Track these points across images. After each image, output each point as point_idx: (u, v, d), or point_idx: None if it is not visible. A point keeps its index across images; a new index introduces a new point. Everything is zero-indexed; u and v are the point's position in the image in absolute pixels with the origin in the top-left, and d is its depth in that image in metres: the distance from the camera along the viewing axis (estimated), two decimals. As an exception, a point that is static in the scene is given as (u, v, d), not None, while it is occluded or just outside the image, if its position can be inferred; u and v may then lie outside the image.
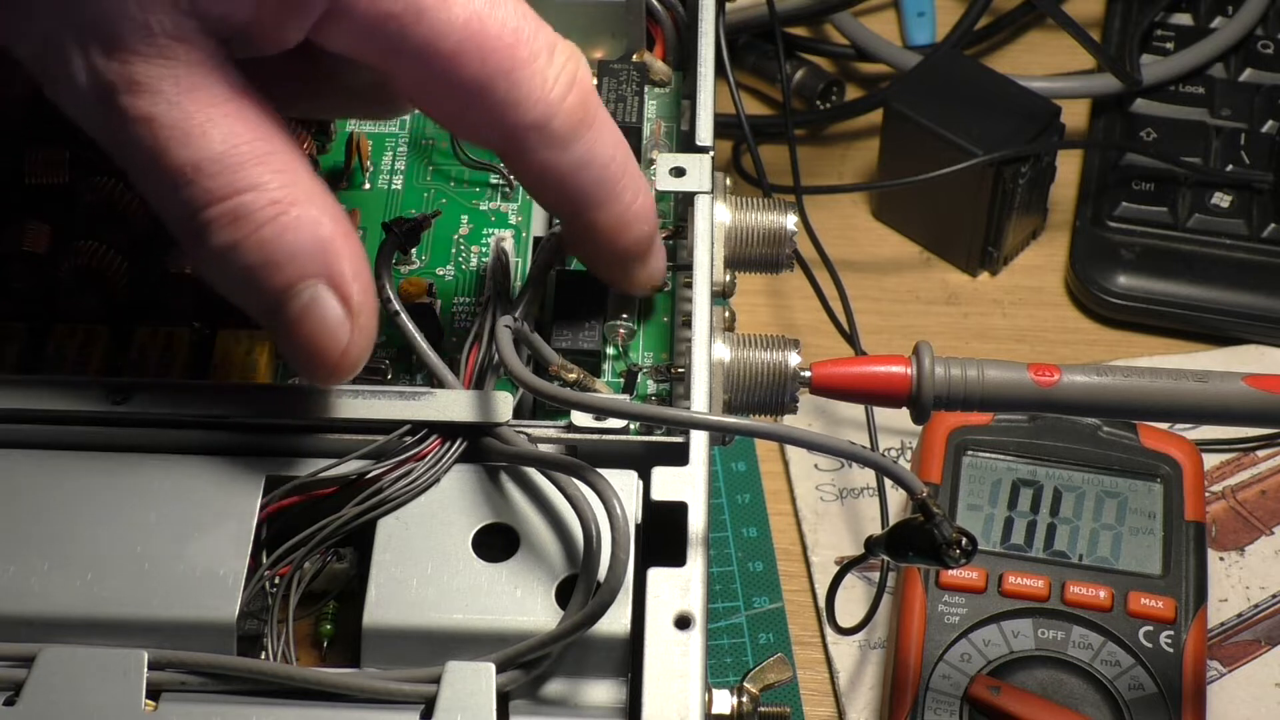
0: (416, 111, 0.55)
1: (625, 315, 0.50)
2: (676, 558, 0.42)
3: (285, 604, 0.43)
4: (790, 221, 0.52)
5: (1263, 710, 0.61)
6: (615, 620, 0.42)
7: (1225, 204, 0.74)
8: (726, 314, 0.50)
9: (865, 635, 0.63)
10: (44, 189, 0.52)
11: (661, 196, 0.54)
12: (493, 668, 0.41)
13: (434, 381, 0.47)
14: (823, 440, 0.45)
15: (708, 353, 0.46)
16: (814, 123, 0.81)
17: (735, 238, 0.51)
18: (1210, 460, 0.68)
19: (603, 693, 0.42)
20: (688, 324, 0.47)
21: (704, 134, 0.51)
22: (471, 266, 0.53)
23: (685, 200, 0.51)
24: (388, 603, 0.43)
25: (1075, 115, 0.78)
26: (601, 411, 0.45)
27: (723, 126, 0.59)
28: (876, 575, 0.63)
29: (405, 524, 0.44)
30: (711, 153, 0.51)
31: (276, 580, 0.44)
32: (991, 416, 0.65)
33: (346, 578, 0.45)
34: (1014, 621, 0.60)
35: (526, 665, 0.41)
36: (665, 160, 0.51)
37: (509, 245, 0.53)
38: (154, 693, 0.41)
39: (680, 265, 0.51)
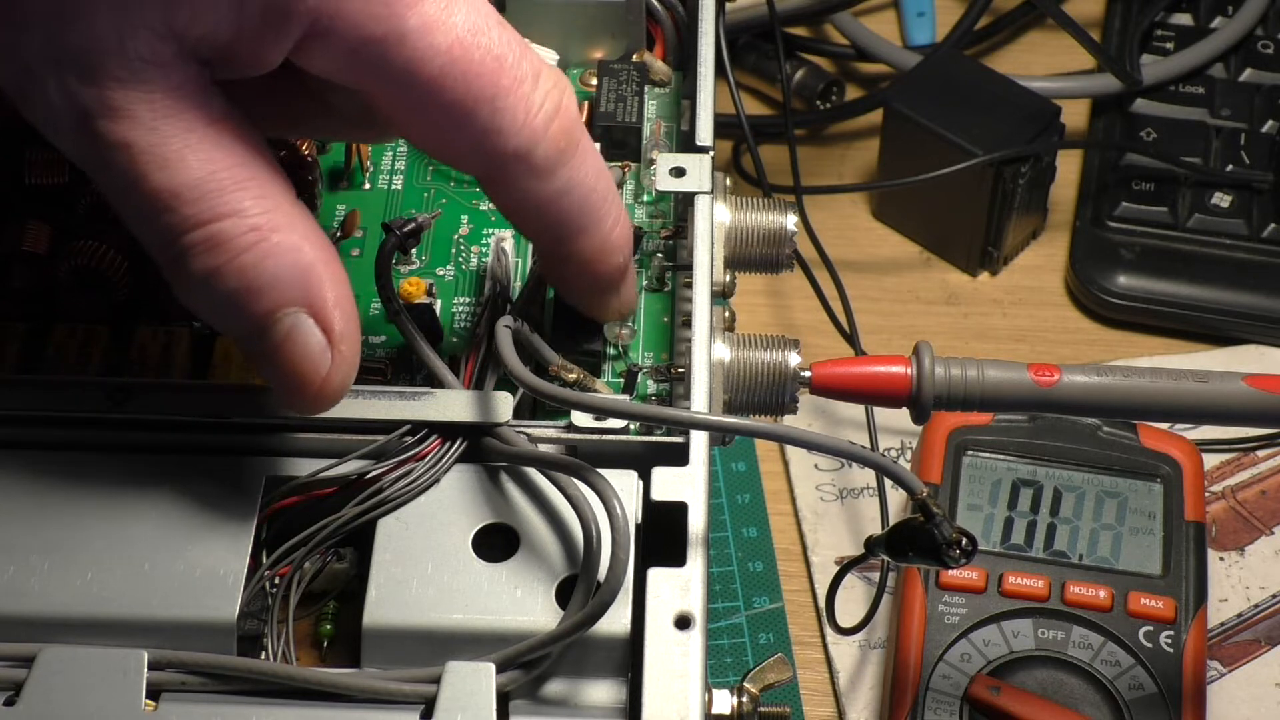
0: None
1: (625, 315, 0.50)
2: (676, 558, 0.42)
3: (285, 604, 0.43)
4: (790, 221, 0.52)
5: (1263, 710, 0.61)
6: (615, 620, 0.42)
7: (1225, 204, 0.74)
8: (726, 314, 0.50)
9: (865, 635, 0.63)
10: (44, 189, 0.52)
11: (661, 196, 0.54)
12: (493, 668, 0.41)
13: (434, 381, 0.47)
14: (823, 440, 0.44)
15: (708, 353, 0.46)
16: (814, 123, 0.81)
17: (735, 238, 0.51)
18: (1210, 460, 0.68)
19: (603, 693, 0.42)
20: (688, 324, 0.47)
21: (704, 134, 0.51)
22: (471, 266, 0.53)
23: (685, 200, 0.51)
24: (388, 603, 0.43)
25: (1075, 115, 0.78)
26: (601, 411, 0.45)
27: (723, 126, 0.59)
28: (876, 575, 0.63)
29: (405, 524, 0.44)
30: (711, 153, 0.51)
31: (276, 580, 0.44)
32: (991, 416, 0.65)
33: (346, 578, 0.45)
34: (1014, 621, 0.60)
35: (526, 665, 0.41)
36: (665, 160, 0.50)
37: (509, 245, 0.53)
38: (154, 693, 0.41)
39: (680, 265, 0.51)
